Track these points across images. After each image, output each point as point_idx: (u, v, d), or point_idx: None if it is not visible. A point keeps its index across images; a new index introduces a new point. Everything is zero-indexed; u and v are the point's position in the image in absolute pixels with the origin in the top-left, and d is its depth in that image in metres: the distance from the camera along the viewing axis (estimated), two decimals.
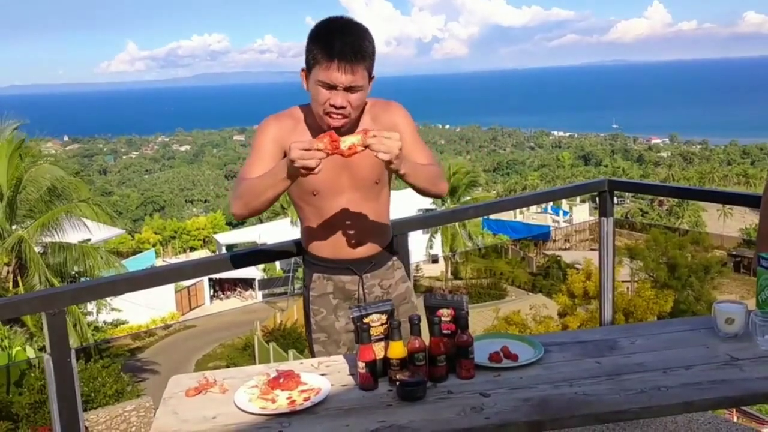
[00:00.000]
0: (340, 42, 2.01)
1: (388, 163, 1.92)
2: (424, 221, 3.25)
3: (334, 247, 2.27)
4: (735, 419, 7.75)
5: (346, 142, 1.89)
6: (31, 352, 10.93)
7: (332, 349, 2.30)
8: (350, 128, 2.14)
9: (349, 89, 2.04)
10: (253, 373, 1.98)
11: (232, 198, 2.14)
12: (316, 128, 2.16)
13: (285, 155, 2.06)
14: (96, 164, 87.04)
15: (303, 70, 2.12)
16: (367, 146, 1.89)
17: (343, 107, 2.04)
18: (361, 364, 1.86)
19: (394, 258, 2.39)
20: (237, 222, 51.44)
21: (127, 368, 16.20)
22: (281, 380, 1.88)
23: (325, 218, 2.24)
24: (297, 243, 2.54)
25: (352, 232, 2.25)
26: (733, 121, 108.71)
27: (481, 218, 31.71)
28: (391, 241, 2.40)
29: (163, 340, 24.55)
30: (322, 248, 2.29)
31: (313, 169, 1.87)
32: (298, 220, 2.37)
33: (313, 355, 2.33)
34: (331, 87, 2.03)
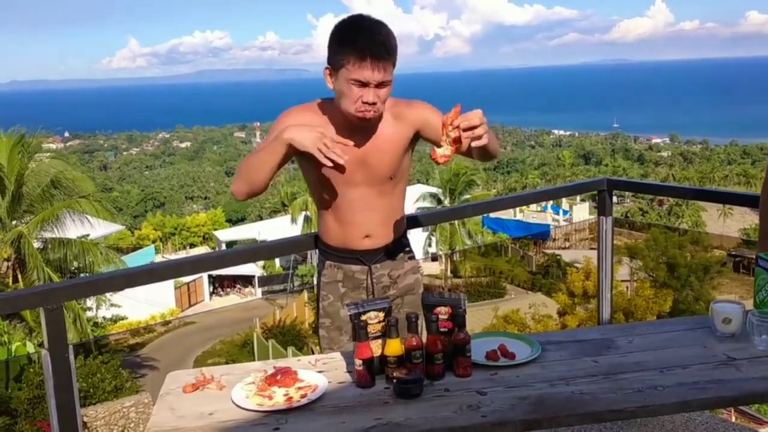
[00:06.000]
0: (370, 42, 2.06)
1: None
2: (424, 219, 3.24)
3: (345, 238, 2.33)
4: (733, 419, 7.76)
5: (439, 152, 1.96)
6: (30, 347, 10.92)
7: (335, 335, 2.36)
8: (375, 121, 2.19)
9: (379, 85, 2.09)
10: (250, 370, 1.98)
11: (233, 180, 2.24)
12: (337, 122, 2.21)
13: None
14: (96, 160, 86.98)
15: (327, 68, 2.15)
16: (458, 145, 1.93)
17: (374, 103, 2.10)
18: (358, 362, 1.86)
19: (407, 249, 2.44)
20: (237, 219, 51.48)
21: (126, 364, 16.17)
22: (278, 377, 1.88)
23: (338, 209, 2.31)
24: (311, 236, 2.62)
25: (363, 224, 2.31)
26: (734, 121, 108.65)
27: (480, 216, 31.70)
28: (404, 233, 2.45)
29: (163, 336, 24.53)
30: (334, 238, 2.36)
31: (333, 162, 2.01)
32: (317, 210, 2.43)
33: (318, 339, 2.41)
34: (364, 84, 2.08)
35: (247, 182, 2.17)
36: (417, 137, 2.28)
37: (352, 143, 2.17)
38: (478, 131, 1.89)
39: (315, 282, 2.46)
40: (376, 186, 2.28)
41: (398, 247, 2.41)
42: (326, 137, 2.02)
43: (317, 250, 2.45)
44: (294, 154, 2.15)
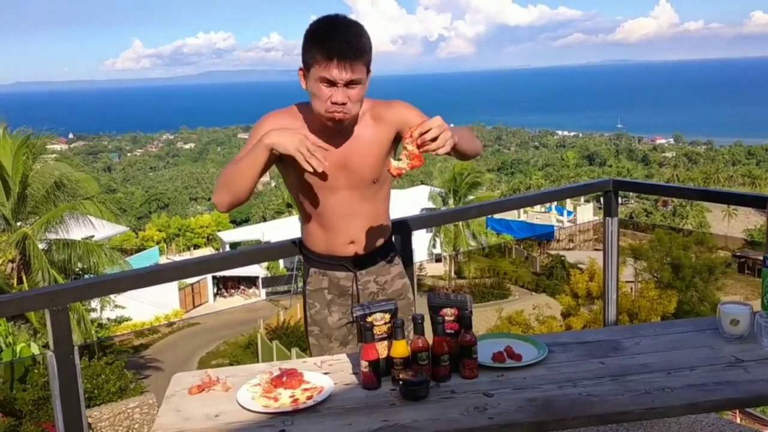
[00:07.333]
0: (337, 40, 2.03)
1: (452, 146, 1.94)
2: (428, 220, 3.24)
3: (329, 244, 2.29)
4: (738, 420, 7.74)
5: (394, 165, 1.96)
6: (35, 349, 10.93)
7: (324, 343, 2.34)
8: (350, 123, 2.16)
9: (348, 84, 2.06)
10: (256, 372, 1.98)
11: (214, 191, 2.18)
12: (315, 126, 2.17)
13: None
14: (100, 162, 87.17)
15: (301, 69, 2.14)
16: (418, 154, 1.92)
17: (344, 103, 2.07)
18: (364, 363, 1.86)
19: (392, 254, 2.40)
20: (241, 220, 51.51)
21: (130, 365, 16.17)
22: (284, 379, 1.88)
23: (321, 215, 2.27)
24: (294, 241, 2.57)
25: (346, 230, 2.27)
26: (738, 121, 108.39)
27: (484, 218, 31.68)
28: (390, 238, 2.41)
29: (167, 337, 24.55)
30: (317, 244, 2.32)
31: (313, 169, 1.98)
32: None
33: (308, 347, 2.39)
34: (332, 84, 2.05)
35: (230, 192, 2.11)
36: (399, 138, 2.23)
37: (332, 147, 2.14)
38: (437, 143, 1.88)
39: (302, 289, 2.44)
40: (359, 190, 2.24)
41: (383, 252, 2.37)
42: (308, 140, 1.98)
43: (302, 257, 2.40)
44: (276, 159, 2.09)
